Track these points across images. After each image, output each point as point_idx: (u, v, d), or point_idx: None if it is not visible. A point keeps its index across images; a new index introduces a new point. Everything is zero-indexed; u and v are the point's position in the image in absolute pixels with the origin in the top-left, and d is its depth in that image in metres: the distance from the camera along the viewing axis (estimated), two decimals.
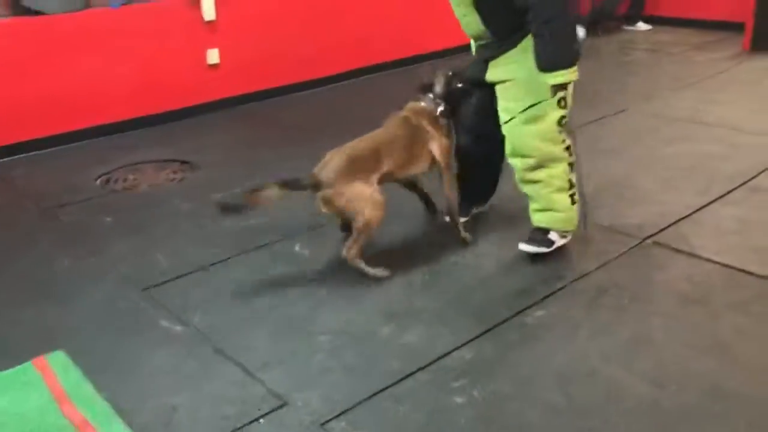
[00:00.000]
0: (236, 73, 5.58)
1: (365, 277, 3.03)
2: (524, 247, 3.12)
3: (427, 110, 3.22)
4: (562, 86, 2.76)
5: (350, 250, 3.04)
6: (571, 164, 3.00)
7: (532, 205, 3.12)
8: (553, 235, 3.11)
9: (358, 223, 2.98)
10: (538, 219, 3.12)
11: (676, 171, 4.02)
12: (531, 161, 2.98)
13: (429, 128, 3.18)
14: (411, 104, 3.27)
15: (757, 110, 5.01)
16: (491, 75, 2.99)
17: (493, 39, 2.92)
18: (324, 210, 3.01)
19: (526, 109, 2.88)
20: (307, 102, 5.80)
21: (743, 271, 3.00)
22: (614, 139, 4.61)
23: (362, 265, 3.06)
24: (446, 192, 3.27)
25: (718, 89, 5.55)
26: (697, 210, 3.54)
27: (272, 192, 2.88)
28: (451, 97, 3.23)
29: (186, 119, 5.30)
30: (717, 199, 3.65)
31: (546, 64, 2.69)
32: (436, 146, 3.19)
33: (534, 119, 2.89)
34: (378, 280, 3.04)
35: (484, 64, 3.01)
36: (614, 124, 4.88)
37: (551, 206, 3.05)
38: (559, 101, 2.84)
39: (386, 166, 3.07)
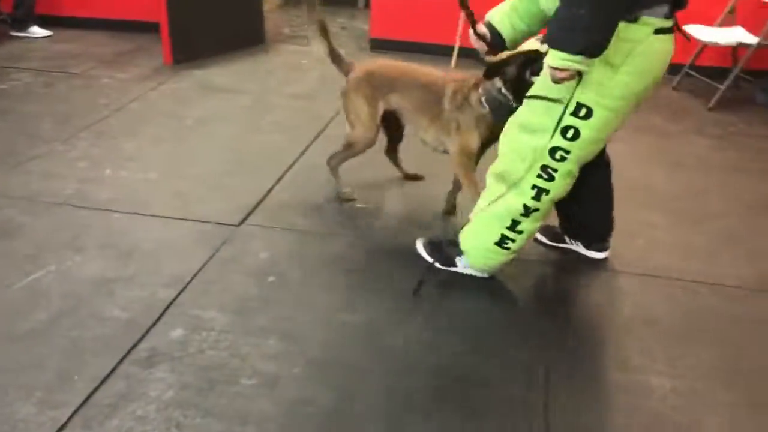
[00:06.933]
0: None
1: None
2: (418, 243, 2.86)
3: (470, 92, 2.78)
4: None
5: (331, 158, 3.23)
6: (530, 208, 2.45)
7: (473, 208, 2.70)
8: (461, 260, 2.72)
9: (347, 136, 3.11)
10: (462, 229, 2.70)
11: None
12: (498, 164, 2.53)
13: (457, 107, 2.82)
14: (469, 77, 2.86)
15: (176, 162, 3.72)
16: None
17: None
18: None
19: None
20: None
21: None
22: None
23: (336, 176, 3.25)
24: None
25: (125, 131, 4.04)
26: None
27: (325, 39, 3.04)
28: (518, 90, 2.58)
29: None
30: None
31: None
32: (455, 134, 2.84)
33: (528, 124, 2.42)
34: (340, 197, 3.26)
35: None
36: None
37: (473, 223, 2.62)
38: (564, 130, 2.30)
39: (394, 104, 3.01)
